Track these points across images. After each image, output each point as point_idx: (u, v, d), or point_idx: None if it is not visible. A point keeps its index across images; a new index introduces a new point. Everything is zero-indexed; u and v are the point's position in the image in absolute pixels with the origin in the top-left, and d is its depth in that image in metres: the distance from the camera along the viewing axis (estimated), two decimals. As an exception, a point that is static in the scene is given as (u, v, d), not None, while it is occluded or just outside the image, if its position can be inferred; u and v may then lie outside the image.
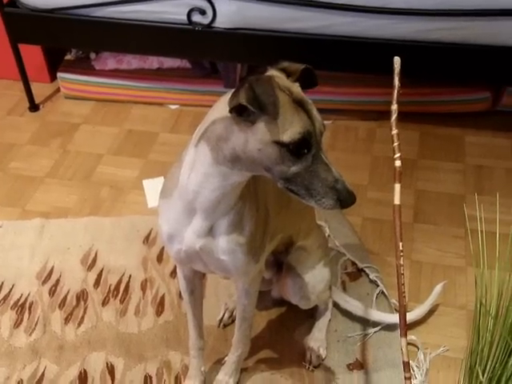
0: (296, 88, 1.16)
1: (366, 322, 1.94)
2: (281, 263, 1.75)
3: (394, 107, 1.14)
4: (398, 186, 1.12)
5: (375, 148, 2.70)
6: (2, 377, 1.82)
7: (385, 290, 2.02)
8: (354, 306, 1.94)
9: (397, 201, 1.12)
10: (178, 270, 1.59)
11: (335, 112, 2.86)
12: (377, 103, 2.83)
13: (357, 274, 2.12)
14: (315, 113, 1.15)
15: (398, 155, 1.12)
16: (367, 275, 2.09)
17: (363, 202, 2.41)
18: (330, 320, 1.94)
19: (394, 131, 1.12)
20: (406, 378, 1.05)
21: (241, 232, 1.33)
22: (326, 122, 2.76)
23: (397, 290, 1.94)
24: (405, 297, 1.09)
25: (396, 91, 1.16)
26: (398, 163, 1.11)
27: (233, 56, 2.60)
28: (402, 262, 1.12)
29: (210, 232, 1.33)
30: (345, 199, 1.13)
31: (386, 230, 2.28)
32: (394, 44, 2.30)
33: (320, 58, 2.48)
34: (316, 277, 1.74)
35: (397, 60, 1.17)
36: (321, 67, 2.57)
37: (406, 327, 1.08)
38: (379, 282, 2.05)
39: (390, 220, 2.31)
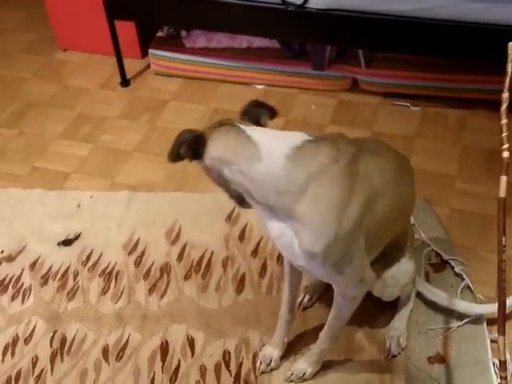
0: None
1: (449, 315, 1.89)
2: None
3: (506, 95, 1.09)
4: (504, 179, 1.08)
5: (466, 137, 2.60)
6: (90, 340, 1.91)
7: (471, 285, 1.96)
8: (439, 296, 1.90)
9: (502, 193, 1.08)
10: None
11: (425, 98, 2.79)
12: (469, 91, 2.73)
13: (441, 265, 2.06)
14: None
15: (505, 146, 1.07)
16: (452, 268, 2.03)
17: (451, 193, 2.34)
18: (411, 311, 1.90)
19: (504, 121, 1.07)
20: (501, 378, 1.01)
21: (315, 241, 1.30)
22: (414, 109, 2.74)
23: (483, 285, 1.93)
24: (505, 293, 1.05)
25: (508, 79, 1.10)
26: (505, 154, 1.07)
27: (324, 38, 2.56)
28: (504, 257, 1.07)
29: (287, 231, 1.33)
30: None
31: (474, 223, 2.20)
32: (498, 29, 2.19)
33: (414, 43, 2.42)
34: (400, 270, 1.70)
35: (511, 46, 1.11)
36: (415, 52, 2.54)
37: (505, 324, 1.04)
38: (465, 276, 1.98)
39: (478, 212, 2.24)
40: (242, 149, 1.27)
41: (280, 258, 2.12)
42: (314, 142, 1.31)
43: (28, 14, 3.70)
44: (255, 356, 1.83)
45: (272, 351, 1.79)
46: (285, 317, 1.76)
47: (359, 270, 1.42)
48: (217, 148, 1.29)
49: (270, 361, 1.79)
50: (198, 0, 2.57)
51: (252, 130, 1.29)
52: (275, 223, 1.34)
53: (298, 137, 1.31)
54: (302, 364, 1.75)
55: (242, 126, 1.29)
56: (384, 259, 1.65)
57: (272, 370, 1.79)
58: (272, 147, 1.27)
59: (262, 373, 1.79)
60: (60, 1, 3.14)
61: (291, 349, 1.84)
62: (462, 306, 1.88)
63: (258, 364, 1.80)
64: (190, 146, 1.28)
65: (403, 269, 1.71)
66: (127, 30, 3.04)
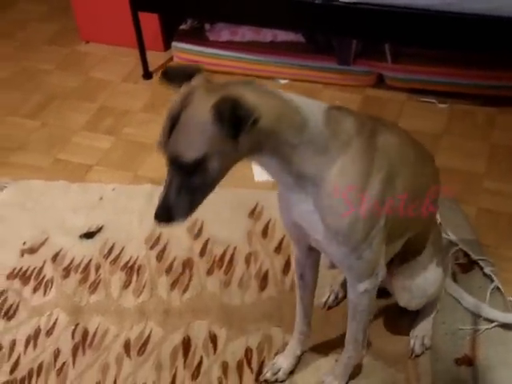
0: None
1: (477, 317, 1.85)
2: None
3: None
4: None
5: (494, 135, 2.55)
6: (111, 334, 1.89)
7: (500, 286, 1.91)
8: (466, 300, 1.86)
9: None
10: (292, 251, 1.58)
11: (452, 95, 2.73)
12: (498, 88, 2.68)
13: (469, 266, 2.01)
14: (162, 128, 1.17)
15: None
16: (480, 268, 1.98)
17: (479, 192, 2.29)
18: (437, 311, 1.86)
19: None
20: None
21: (339, 217, 1.25)
22: (441, 106, 2.65)
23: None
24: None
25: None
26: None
27: (351, 31, 2.52)
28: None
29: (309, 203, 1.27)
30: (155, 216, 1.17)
31: (503, 223, 2.16)
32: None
33: (443, 37, 2.37)
34: (427, 279, 1.62)
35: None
36: (443, 47, 2.49)
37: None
38: (494, 277, 1.94)
39: (507, 212, 2.19)
40: (290, 116, 1.16)
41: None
42: (336, 110, 1.25)
43: (51, 6, 3.70)
44: (277, 354, 1.80)
45: (282, 362, 1.75)
46: (299, 329, 1.72)
47: (376, 257, 1.36)
48: (266, 119, 1.10)
49: (278, 370, 1.75)
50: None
51: (284, 92, 1.19)
52: (296, 195, 1.27)
53: (319, 102, 1.25)
54: (331, 379, 1.69)
55: (272, 89, 1.18)
56: (410, 266, 1.59)
57: (277, 381, 1.74)
58: (311, 111, 1.19)
59: (265, 381, 1.74)
60: (83, -8, 3.14)
61: (314, 349, 1.81)
62: (491, 313, 1.83)
63: (264, 371, 1.76)
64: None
65: (431, 277, 1.63)
66: (150, 22, 3.01)
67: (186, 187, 1.15)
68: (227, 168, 1.17)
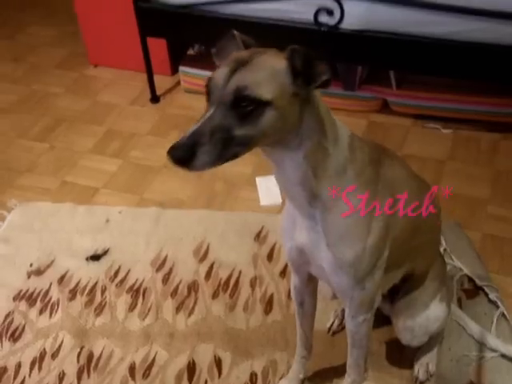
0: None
1: (482, 344, 1.84)
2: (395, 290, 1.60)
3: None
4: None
5: (498, 161, 2.57)
6: (116, 357, 1.89)
7: (506, 313, 1.91)
8: (471, 328, 1.86)
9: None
10: (291, 279, 1.57)
11: (456, 121, 2.76)
12: (502, 114, 2.70)
13: (474, 291, 2.01)
14: (221, 67, 1.06)
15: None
16: (486, 294, 1.98)
17: (483, 217, 2.30)
18: (443, 338, 1.85)
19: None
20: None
21: (345, 247, 1.25)
22: (445, 131, 2.62)
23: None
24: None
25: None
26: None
27: (357, 58, 2.55)
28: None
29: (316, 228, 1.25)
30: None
31: (507, 248, 2.16)
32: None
33: (448, 65, 2.39)
34: (429, 318, 1.60)
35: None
36: (449, 75, 2.52)
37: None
38: (500, 304, 1.94)
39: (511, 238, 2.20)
40: (331, 123, 1.17)
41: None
42: (356, 137, 1.24)
43: (60, 30, 3.76)
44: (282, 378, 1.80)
45: None
46: (300, 353, 1.73)
47: (376, 289, 1.37)
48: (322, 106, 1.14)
49: None
50: (229, 19, 2.58)
51: None
52: (306, 220, 1.25)
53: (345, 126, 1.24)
54: None
55: None
56: (412, 303, 1.59)
57: None
58: (342, 130, 1.19)
59: None
60: (92, 18, 3.19)
61: (319, 373, 1.81)
62: (494, 343, 1.82)
63: None
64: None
65: (433, 315, 1.61)
66: (158, 47, 3.06)
67: (224, 132, 1.03)
68: (274, 131, 1.07)
